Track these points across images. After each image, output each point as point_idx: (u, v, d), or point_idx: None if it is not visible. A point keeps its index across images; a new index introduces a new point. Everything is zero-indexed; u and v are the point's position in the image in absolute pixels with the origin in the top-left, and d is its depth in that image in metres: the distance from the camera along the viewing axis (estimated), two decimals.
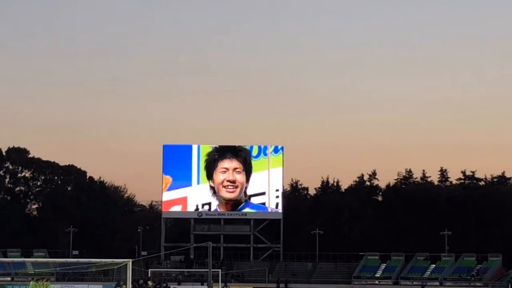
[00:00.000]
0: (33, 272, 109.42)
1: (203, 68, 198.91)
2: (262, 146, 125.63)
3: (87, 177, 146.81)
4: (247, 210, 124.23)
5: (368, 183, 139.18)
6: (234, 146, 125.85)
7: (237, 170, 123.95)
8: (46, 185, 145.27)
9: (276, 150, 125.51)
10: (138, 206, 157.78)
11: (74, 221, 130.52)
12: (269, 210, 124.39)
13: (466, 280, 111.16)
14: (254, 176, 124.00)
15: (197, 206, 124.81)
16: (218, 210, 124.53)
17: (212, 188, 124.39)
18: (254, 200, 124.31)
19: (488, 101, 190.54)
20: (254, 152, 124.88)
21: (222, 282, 79.39)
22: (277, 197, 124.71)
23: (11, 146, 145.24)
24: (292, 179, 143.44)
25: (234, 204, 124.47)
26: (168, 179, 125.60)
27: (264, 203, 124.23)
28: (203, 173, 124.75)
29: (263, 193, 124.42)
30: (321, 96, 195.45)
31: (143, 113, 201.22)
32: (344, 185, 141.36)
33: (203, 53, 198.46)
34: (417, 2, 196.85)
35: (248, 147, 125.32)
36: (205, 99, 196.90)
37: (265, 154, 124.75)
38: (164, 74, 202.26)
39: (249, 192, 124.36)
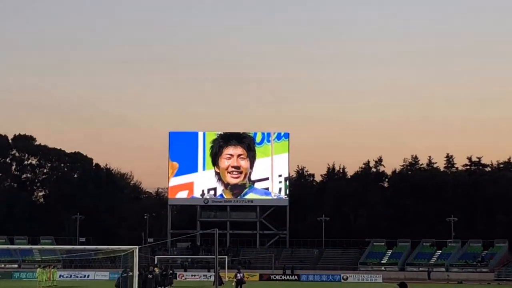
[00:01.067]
0: (40, 259, 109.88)
1: (208, 56, 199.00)
2: (266, 133, 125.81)
3: (94, 164, 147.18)
4: (251, 196, 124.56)
5: (374, 169, 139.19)
6: (239, 133, 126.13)
7: (241, 156, 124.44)
8: (53, 172, 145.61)
9: (279, 136, 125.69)
10: (145, 193, 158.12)
11: (81, 208, 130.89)
12: (272, 195, 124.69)
13: (472, 266, 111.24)
14: (258, 162, 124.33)
15: (202, 191, 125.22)
16: (224, 196, 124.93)
17: (217, 174, 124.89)
18: (257, 186, 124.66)
19: (493, 87, 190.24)
20: (258, 138, 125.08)
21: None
22: (280, 182, 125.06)
23: (17, 134, 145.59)
24: (298, 165, 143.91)
25: (238, 189, 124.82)
26: (175, 165, 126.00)
27: (267, 188, 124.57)
28: (208, 159, 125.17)
29: (267, 179, 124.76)
30: (327, 83, 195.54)
31: (149, 100, 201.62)
32: (350, 172, 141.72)
33: (208, 41, 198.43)
34: None
35: (252, 134, 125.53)
36: (210, 86, 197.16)
37: (269, 141, 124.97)
38: (170, 62, 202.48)
39: (253, 178, 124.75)
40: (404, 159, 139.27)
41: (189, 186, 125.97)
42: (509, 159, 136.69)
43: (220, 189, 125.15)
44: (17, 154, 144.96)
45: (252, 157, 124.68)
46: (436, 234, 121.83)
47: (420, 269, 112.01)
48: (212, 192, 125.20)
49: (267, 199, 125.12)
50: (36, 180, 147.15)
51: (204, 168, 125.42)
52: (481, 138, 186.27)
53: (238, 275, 60.39)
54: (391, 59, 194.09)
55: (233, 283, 64.46)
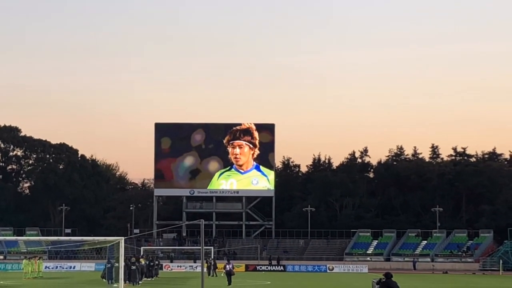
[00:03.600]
0: (25, 250, 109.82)
1: (194, 46, 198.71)
2: (251, 124, 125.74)
3: (79, 155, 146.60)
4: (237, 186, 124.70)
5: (359, 160, 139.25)
6: (224, 124, 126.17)
7: (227, 147, 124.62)
8: (38, 163, 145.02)
9: (265, 127, 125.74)
10: (130, 184, 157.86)
11: (66, 199, 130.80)
12: (258, 186, 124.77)
13: (457, 256, 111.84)
14: (243, 153, 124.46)
15: (188, 182, 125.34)
16: (210, 186, 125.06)
17: (203, 164, 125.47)
18: (243, 176, 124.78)
19: (479, 77, 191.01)
20: (243, 129, 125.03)
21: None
22: (266, 173, 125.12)
23: (2, 125, 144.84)
24: (283, 156, 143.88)
25: (224, 180, 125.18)
26: (161, 156, 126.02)
27: (253, 179, 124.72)
28: (194, 150, 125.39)
29: (252, 169, 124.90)
30: (312, 73, 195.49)
31: (135, 91, 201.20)
32: (335, 162, 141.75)
33: (192, 32, 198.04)
34: None
35: (237, 125, 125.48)
36: (195, 78, 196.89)
37: (254, 132, 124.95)
38: (155, 53, 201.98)
39: (238, 169, 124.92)
40: (390, 150, 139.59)
41: (175, 177, 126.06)
42: (493, 149, 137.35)
43: (206, 180, 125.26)
44: (2, 146, 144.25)
45: (238, 148, 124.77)
46: (421, 224, 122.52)
47: (406, 259, 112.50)
48: (198, 183, 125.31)
49: (253, 190, 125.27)
50: (22, 171, 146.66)
51: (190, 159, 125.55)
52: (466, 129, 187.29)
53: (227, 266, 60.30)
54: (377, 50, 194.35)
55: (222, 274, 64.38)
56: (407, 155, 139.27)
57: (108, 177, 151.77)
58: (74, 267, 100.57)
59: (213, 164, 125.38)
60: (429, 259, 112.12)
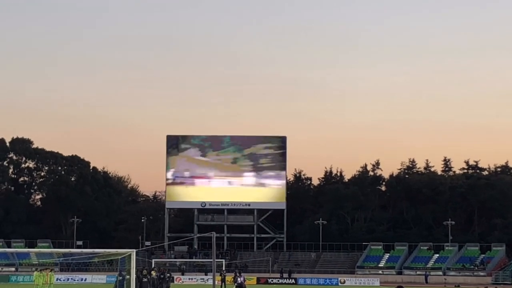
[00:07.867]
0: (37, 262, 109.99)
1: (205, 60, 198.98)
2: (263, 136, 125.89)
3: (91, 168, 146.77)
4: (249, 199, 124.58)
5: (371, 173, 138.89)
6: (236, 136, 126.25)
7: (239, 159, 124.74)
8: (50, 175, 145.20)
9: (276, 140, 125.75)
10: (142, 196, 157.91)
11: (78, 212, 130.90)
12: (270, 199, 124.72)
13: (470, 269, 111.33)
14: (255, 165, 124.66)
15: (200, 194, 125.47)
16: (221, 199, 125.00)
17: (215, 176, 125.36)
18: (255, 189, 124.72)
19: (491, 91, 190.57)
20: (255, 142, 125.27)
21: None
22: (277, 185, 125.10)
23: (14, 137, 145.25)
24: (295, 169, 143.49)
25: (236, 192, 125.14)
26: (172, 168, 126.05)
27: (265, 191, 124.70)
28: (205, 162, 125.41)
29: (264, 182, 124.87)
30: (324, 86, 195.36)
31: (147, 103, 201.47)
32: (347, 175, 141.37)
33: (204, 42, 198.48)
34: None
35: (249, 137, 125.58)
36: (207, 90, 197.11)
37: (266, 144, 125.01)
38: (167, 65, 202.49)
39: (250, 181, 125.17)
40: (402, 163, 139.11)
41: (187, 190, 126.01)
42: (506, 163, 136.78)
43: (217, 192, 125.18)
44: (14, 157, 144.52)
45: (249, 160, 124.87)
46: (433, 237, 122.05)
47: (418, 272, 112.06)
48: (209, 195, 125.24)
49: (265, 203, 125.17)
50: (34, 183, 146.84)
51: (201, 171, 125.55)
52: (478, 142, 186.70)
53: (239, 279, 59.83)
54: (389, 62, 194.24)
55: (234, 287, 64.00)
56: (419, 168, 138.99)
57: (120, 189, 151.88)
58: (85, 279, 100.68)
59: (224, 176, 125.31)
60: (441, 273, 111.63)
